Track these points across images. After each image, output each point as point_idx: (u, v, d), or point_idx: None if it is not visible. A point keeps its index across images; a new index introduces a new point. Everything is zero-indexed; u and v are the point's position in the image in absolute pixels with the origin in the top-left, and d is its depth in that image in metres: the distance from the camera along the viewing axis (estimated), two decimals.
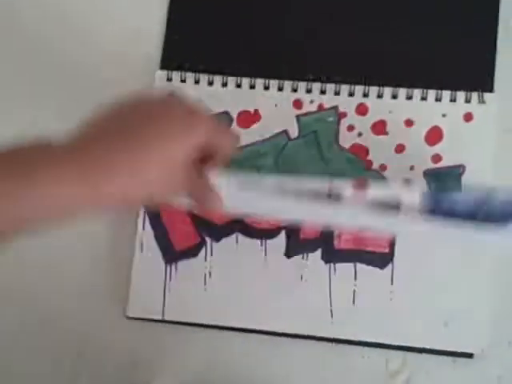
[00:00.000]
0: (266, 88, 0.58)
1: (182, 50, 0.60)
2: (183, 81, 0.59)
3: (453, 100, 0.56)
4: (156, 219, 0.57)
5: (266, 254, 0.56)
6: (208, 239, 0.57)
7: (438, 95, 0.56)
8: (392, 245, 0.56)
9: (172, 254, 0.57)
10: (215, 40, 0.60)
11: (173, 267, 0.57)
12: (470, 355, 0.54)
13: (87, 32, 0.61)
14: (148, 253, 0.57)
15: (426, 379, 0.55)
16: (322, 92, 0.58)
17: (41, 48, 0.61)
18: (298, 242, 0.56)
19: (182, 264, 0.57)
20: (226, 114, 0.58)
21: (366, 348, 0.55)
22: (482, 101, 0.56)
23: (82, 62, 0.61)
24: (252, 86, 0.59)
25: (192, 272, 0.56)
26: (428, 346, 0.55)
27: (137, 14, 0.61)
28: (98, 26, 0.61)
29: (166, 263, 0.57)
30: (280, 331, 0.56)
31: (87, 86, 0.60)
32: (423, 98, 0.56)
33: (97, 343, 0.57)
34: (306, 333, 0.55)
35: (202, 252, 0.57)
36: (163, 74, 0.59)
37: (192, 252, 0.57)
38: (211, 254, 0.57)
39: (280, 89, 0.58)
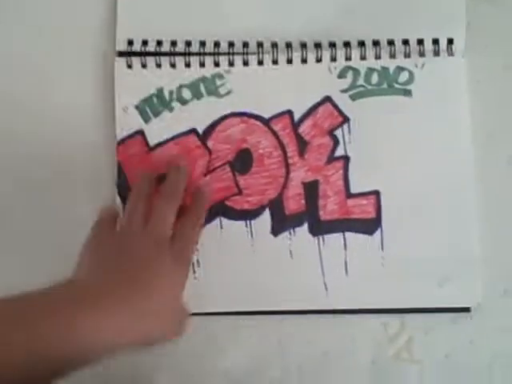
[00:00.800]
0: (231, 64, 0.56)
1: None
2: (144, 66, 0.56)
3: None
4: None
5: (252, 236, 0.55)
6: None
7: None
8: (378, 209, 0.55)
9: None
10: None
11: None
12: (467, 309, 0.54)
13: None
14: None
15: (426, 338, 0.55)
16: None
17: None
18: (282, 218, 0.55)
19: None
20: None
21: (364, 315, 0.55)
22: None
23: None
24: (216, 64, 0.56)
25: None
26: (424, 306, 0.54)
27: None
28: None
29: None
30: (275, 310, 0.55)
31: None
32: None
33: None
34: (302, 308, 0.55)
35: None
36: (122, 60, 0.56)
37: None
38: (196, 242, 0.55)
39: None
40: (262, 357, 0.55)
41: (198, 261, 0.55)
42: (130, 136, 0.56)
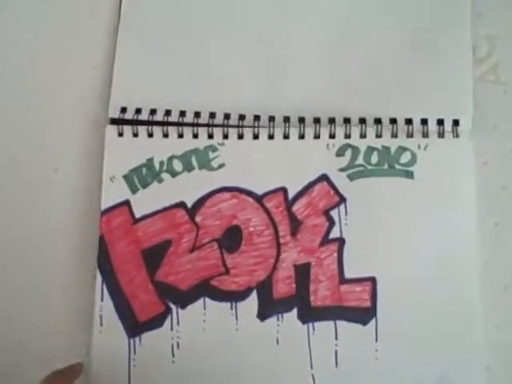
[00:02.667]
0: (225, 137, 0.54)
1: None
2: (135, 135, 0.54)
3: None
4: (115, 289, 0.52)
5: (237, 318, 0.51)
6: (173, 307, 0.52)
7: None
8: (374, 297, 0.51)
9: (135, 326, 0.52)
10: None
11: (137, 340, 0.52)
12: None
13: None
14: (108, 326, 0.52)
15: None
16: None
17: None
18: (270, 301, 0.52)
19: (147, 336, 0.52)
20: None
21: None
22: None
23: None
24: (210, 136, 0.54)
25: (158, 344, 0.51)
26: None
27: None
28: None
29: (129, 337, 0.52)
30: None
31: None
32: None
33: None
34: None
35: (168, 321, 0.52)
36: (113, 128, 0.54)
37: (157, 322, 0.52)
38: (178, 323, 0.52)
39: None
40: None
41: (177, 343, 0.51)
42: (115, 206, 0.53)
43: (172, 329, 0.52)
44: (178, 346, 0.52)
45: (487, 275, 0.51)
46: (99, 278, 0.52)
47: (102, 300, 0.52)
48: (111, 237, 0.53)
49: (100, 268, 0.53)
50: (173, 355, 0.51)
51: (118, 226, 0.53)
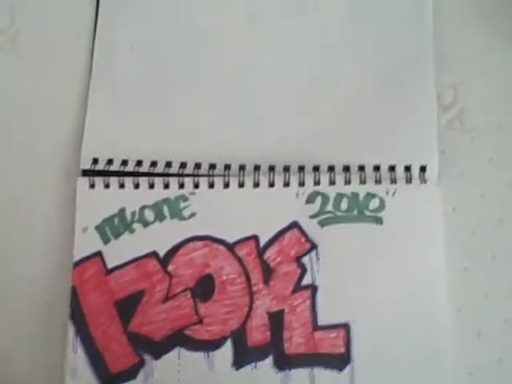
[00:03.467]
0: (196, 186, 0.54)
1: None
2: (107, 186, 0.54)
3: None
4: (88, 341, 0.52)
5: (212, 369, 0.51)
6: (147, 358, 0.52)
7: None
8: (348, 344, 0.51)
9: (108, 379, 0.51)
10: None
11: None
12: None
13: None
14: (81, 379, 0.51)
15: None
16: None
17: None
18: (245, 350, 0.52)
19: None
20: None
21: None
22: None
23: None
24: (181, 186, 0.54)
25: None
26: None
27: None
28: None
29: None
30: None
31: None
32: None
33: None
34: None
35: (141, 373, 0.51)
36: (85, 180, 0.55)
37: (130, 374, 0.52)
38: (152, 374, 0.51)
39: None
40: None
41: None
42: (88, 258, 0.53)
43: (146, 380, 0.51)
44: None
45: (460, 322, 0.51)
46: (72, 330, 0.52)
47: (74, 352, 0.52)
48: (83, 288, 0.53)
49: (73, 319, 0.52)
50: None
51: (90, 277, 0.53)
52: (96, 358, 0.52)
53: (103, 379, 0.52)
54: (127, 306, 0.53)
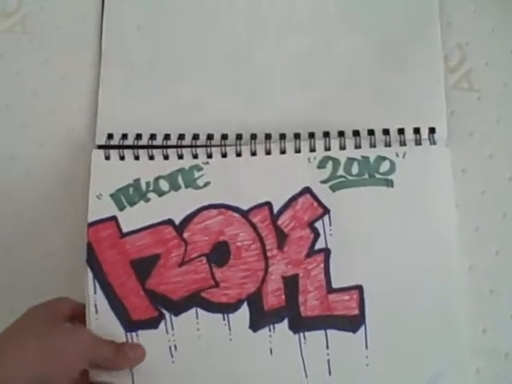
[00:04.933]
0: (209, 156, 0.55)
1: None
2: (122, 158, 0.56)
3: None
4: (107, 287, 0.53)
5: (230, 329, 0.52)
6: (166, 313, 0.53)
7: None
8: (361, 305, 0.52)
9: (130, 323, 0.53)
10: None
11: (134, 335, 0.52)
12: None
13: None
14: (104, 317, 0.52)
15: None
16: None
17: None
18: (261, 313, 0.53)
19: (143, 334, 0.52)
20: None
21: None
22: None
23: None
24: (194, 156, 0.55)
25: (156, 344, 0.52)
26: None
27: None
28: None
29: (125, 331, 0.52)
30: None
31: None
32: None
33: None
34: None
35: (162, 325, 0.53)
36: (100, 152, 0.56)
37: (151, 324, 0.53)
38: (172, 328, 0.53)
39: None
40: None
41: (174, 346, 0.52)
42: (102, 220, 0.54)
43: (167, 332, 0.52)
44: (175, 348, 0.52)
45: (472, 280, 0.52)
46: (90, 275, 0.53)
47: (95, 293, 0.53)
48: (99, 245, 0.54)
49: (90, 266, 0.53)
50: (171, 356, 0.52)
51: (105, 237, 0.54)
52: (116, 303, 0.53)
53: (125, 322, 0.52)
54: (143, 267, 0.54)
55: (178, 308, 0.53)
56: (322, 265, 0.53)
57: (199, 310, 0.53)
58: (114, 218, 0.54)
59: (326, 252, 0.53)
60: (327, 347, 0.52)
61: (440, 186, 0.53)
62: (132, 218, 0.55)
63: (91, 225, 0.54)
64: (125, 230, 0.54)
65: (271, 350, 0.52)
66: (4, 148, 0.59)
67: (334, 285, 0.53)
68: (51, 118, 0.59)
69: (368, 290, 0.52)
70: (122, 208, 0.55)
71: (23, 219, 0.58)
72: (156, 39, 0.59)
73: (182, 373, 0.52)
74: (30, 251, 0.57)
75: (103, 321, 0.52)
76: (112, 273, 0.53)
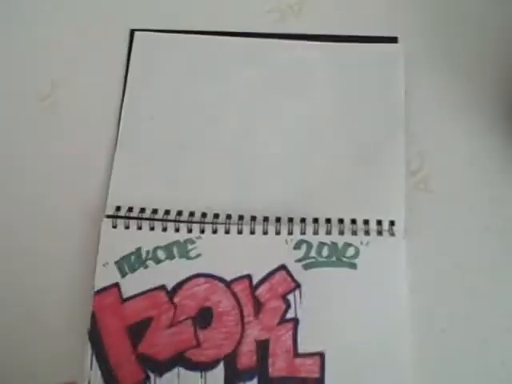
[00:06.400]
0: (202, 232, 0.65)
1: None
2: (127, 227, 0.65)
3: None
4: (102, 359, 0.61)
5: None
6: (152, 375, 0.61)
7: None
8: (322, 369, 0.60)
9: None
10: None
11: None
12: None
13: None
14: None
15: None
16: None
17: None
18: (235, 372, 0.60)
19: None
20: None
21: None
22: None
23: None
24: (189, 230, 0.65)
25: None
26: None
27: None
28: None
29: None
30: None
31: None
32: None
33: None
34: None
35: None
36: (109, 221, 0.65)
37: None
38: None
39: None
40: None
41: None
42: (107, 288, 0.63)
43: None
44: None
45: (417, 356, 0.60)
46: (89, 350, 0.61)
47: (91, 369, 0.61)
48: (101, 314, 0.62)
49: (91, 340, 0.62)
50: None
51: (108, 304, 0.63)
52: (109, 375, 0.61)
53: None
54: (137, 331, 0.62)
55: (163, 368, 0.60)
56: (291, 332, 0.61)
57: (181, 370, 0.61)
58: (116, 285, 0.63)
59: (295, 321, 0.61)
60: None
61: (396, 272, 0.62)
62: (132, 284, 0.63)
63: (97, 293, 0.63)
64: (125, 295, 0.63)
65: None
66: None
67: (300, 350, 0.61)
68: (67, 188, 0.69)
69: (329, 356, 0.60)
70: (124, 274, 0.64)
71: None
72: (165, 129, 0.69)
73: None
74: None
75: None
76: (109, 341, 0.61)
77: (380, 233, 0.63)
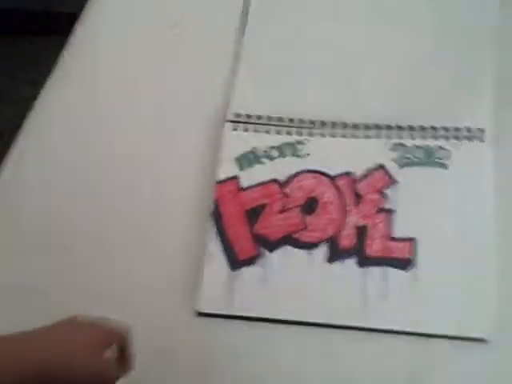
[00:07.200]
0: (311, 135, 0.75)
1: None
2: (246, 130, 0.76)
3: None
4: (223, 235, 0.72)
5: (311, 263, 0.69)
6: (263, 251, 0.70)
7: None
8: (413, 252, 0.68)
9: (236, 263, 0.70)
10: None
11: (237, 272, 0.70)
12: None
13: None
14: (216, 261, 0.70)
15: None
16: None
17: None
18: (337, 251, 0.70)
19: (245, 270, 0.69)
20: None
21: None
22: None
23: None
24: (299, 134, 0.75)
25: (254, 276, 0.69)
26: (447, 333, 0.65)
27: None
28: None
29: (231, 270, 0.70)
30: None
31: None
32: None
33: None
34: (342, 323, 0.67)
35: (260, 261, 0.70)
36: (230, 125, 0.76)
37: (252, 261, 0.70)
38: (267, 263, 0.70)
39: None
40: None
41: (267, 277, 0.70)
42: (228, 179, 0.74)
43: (264, 267, 0.69)
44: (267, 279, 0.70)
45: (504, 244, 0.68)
46: (211, 225, 0.71)
47: (212, 241, 0.71)
48: (222, 200, 0.73)
49: (213, 218, 0.72)
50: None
51: (228, 192, 0.73)
52: (228, 247, 0.71)
53: (232, 263, 0.71)
54: (253, 214, 0.72)
55: (274, 246, 0.70)
56: (387, 220, 0.70)
57: (290, 248, 0.70)
58: (235, 177, 0.74)
59: (391, 211, 0.70)
60: (383, 280, 0.68)
61: (482, 173, 0.70)
62: (249, 177, 0.74)
63: (219, 183, 0.73)
64: (243, 185, 0.73)
65: (341, 278, 0.69)
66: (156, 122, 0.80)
67: (394, 235, 0.70)
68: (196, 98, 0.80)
69: (419, 242, 0.69)
70: (242, 169, 0.74)
71: None
72: (285, 51, 0.80)
73: (274, 295, 0.68)
74: None
75: (214, 265, 0.69)
76: (229, 222, 0.71)
77: (470, 139, 0.71)
